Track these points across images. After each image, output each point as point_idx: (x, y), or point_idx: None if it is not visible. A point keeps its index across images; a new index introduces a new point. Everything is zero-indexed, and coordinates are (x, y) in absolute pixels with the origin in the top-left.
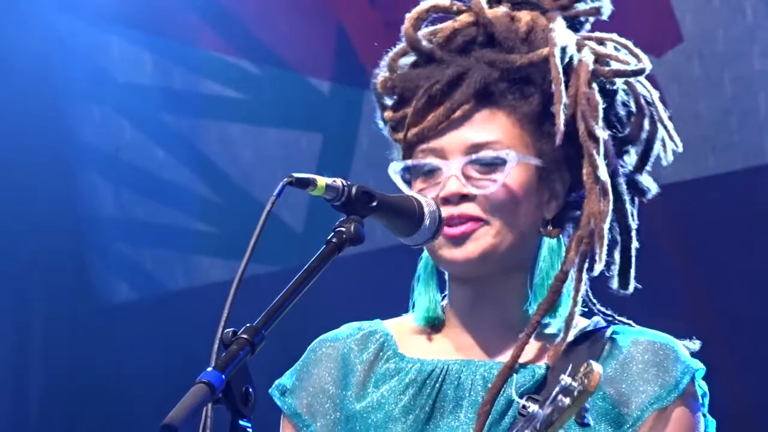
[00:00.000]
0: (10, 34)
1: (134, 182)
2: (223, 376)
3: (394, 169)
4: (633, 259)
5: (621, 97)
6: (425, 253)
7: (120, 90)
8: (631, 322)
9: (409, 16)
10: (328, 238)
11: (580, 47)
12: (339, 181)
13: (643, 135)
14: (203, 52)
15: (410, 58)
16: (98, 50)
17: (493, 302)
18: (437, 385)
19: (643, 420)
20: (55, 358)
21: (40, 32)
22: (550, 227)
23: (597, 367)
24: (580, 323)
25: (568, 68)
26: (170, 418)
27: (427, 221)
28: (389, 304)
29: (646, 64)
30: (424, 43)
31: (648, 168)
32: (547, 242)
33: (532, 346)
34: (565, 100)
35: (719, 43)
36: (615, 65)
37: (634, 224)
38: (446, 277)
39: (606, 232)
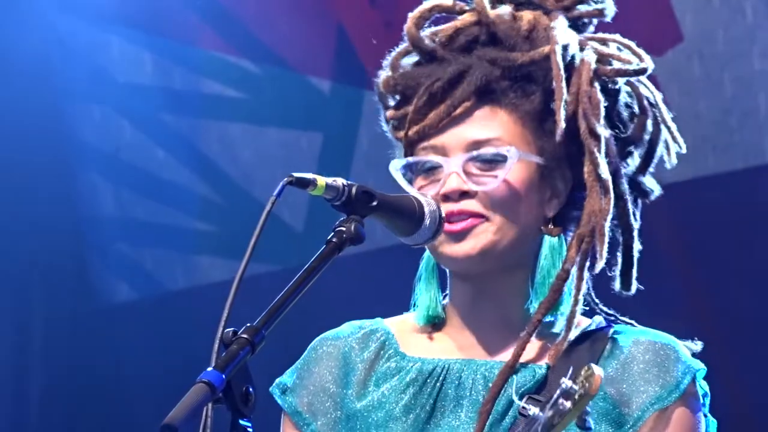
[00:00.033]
0: (10, 34)
1: (134, 182)
2: (224, 376)
3: (395, 167)
4: (635, 259)
5: (624, 98)
6: (427, 252)
7: (120, 90)
8: (633, 322)
9: (412, 15)
10: (329, 237)
11: (582, 47)
12: (339, 181)
13: (646, 136)
14: (203, 51)
15: (413, 58)
16: (98, 50)
17: (493, 300)
18: (438, 384)
19: (644, 420)
20: (55, 358)
21: (40, 32)
22: (551, 226)
23: (598, 370)
24: (582, 323)
25: (570, 67)
26: (170, 418)
27: (427, 221)
28: (389, 303)
29: (649, 63)
30: (427, 41)
31: (651, 169)
32: (549, 241)
33: (533, 345)
34: (566, 96)
35: (719, 42)
36: (617, 65)
37: (636, 224)
38: (448, 275)
39: (607, 230)
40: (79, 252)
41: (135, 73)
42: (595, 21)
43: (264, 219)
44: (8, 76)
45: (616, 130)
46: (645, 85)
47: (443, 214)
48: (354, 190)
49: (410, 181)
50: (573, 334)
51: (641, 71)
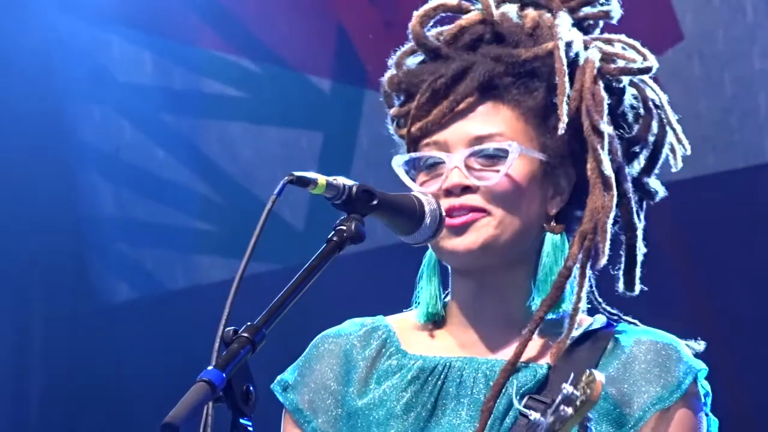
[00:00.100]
0: (10, 34)
1: (134, 182)
2: (224, 375)
3: (398, 163)
4: (638, 259)
5: (629, 99)
6: (429, 250)
7: (120, 90)
8: (635, 321)
9: (417, 14)
10: (329, 236)
11: (586, 46)
12: (339, 180)
13: (651, 137)
14: (203, 51)
15: (418, 58)
16: (98, 50)
17: (495, 296)
18: (439, 382)
19: (645, 420)
20: (55, 358)
21: (40, 32)
22: (553, 223)
23: (599, 376)
24: (584, 321)
25: (574, 65)
26: (171, 417)
27: (427, 219)
28: (390, 302)
29: (653, 62)
30: (431, 39)
31: (656, 171)
32: (551, 238)
33: (535, 343)
34: (568, 92)
35: (719, 42)
36: (621, 63)
37: (639, 224)
38: (449, 272)
39: (609, 227)
40: (79, 252)
41: (135, 73)
42: (601, 23)
43: (264, 218)
44: (8, 76)
45: (621, 131)
46: (651, 87)
47: (444, 212)
48: (354, 188)
49: (413, 178)
50: (575, 333)
51: (645, 70)
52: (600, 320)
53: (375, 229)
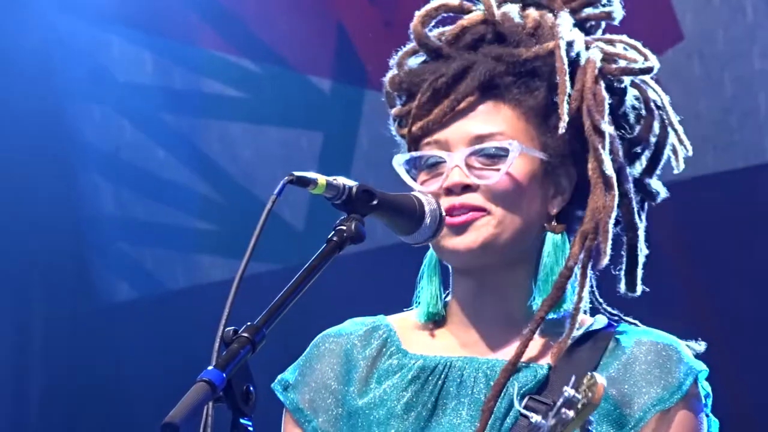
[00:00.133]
0: (10, 34)
1: (134, 182)
2: (224, 375)
3: (398, 162)
4: (639, 259)
5: (631, 100)
6: (430, 250)
7: (120, 90)
8: (636, 321)
9: (418, 14)
10: (329, 236)
11: (588, 46)
12: (339, 180)
13: (653, 138)
14: (203, 51)
15: (420, 58)
16: (98, 50)
17: (495, 295)
18: (440, 381)
19: (646, 421)
20: (55, 357)
21: (40, 32)
22: (554, 222)
23: (600, 379)
24: (585, 322)
25: (575, 65)
26: (171, 417)
27: (427, 219)
28: (390, 302)
29: (655, 63)
30: (432, 39)
31: (657, 172)
32: (552, 238)
33: (535, 343)
34: (569, 91)
35: (719, 42)
36: (623, 63)
37: (640, 224)
38: (450, 272)
39: (610, 226)
40: (80, 251)
41: (135, 73)
42: (603, 24)
43: (264, 218)
44: (8, 76)
45: (622, 131)
46: (652, 88)
47: (444, 212)
48: (354, 188)
49: (414, 177)
50: (575, 334)
51: (647, 70)
52: (601, 321)
53: (375, 228)
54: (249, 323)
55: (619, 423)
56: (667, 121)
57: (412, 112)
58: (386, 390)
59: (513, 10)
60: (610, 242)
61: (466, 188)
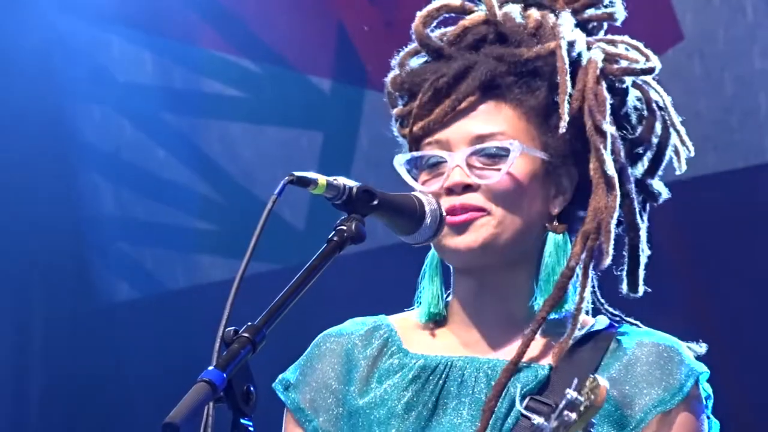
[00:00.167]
0: (10, 34)
1: (134, 182)
2: (225, 375)
3: (399, 161)
4: (641, 259)
5: (632, 100)
6: (432, 250)
7: (120, 89)
8: (638, 322)
9: (420, 14)
10: (330, 236)
11: (589, 46)
12: (340, 180)
13: (654, 138)
14: (203, 51)
15: (421, 59)
16: (98, 50)
17: (496, 296)
18: (441, 381)
19: (647, 422)
20: (55, 357)
21: (40, 32)
22: (556, 222)
23: (603, 381)
24: (586, 322)
25: (577, 65)
26: (171, 417)
27: (428, 219)
28: (391, 301)
29: (656, 63)
30: (434, 39)
31: (660, 172)
32: (554, 238)
33: (537, 343)
34: (570, 91)
35: (720, 42)
36: (624, 64)
37: (642, 224)
38: (451, 272)
39: (612, 227)
40: (80, 251)
41: (135, 73)
42: (605, 25)
43: (265, 218)
44: (9, 76)
45: (624, 132)
46: (654, 88)
47: (444, 212)
48: (355, 189)
49: (415, 177)
50: (577, 334)
51: (648, 70)
52: (602, 321)
53: (376, 228)
54: (249, 323)
55: (620, 424)
56: (669, 122)
57: (414, 112)
58: (387, 389)
59: (514, 10)
60: (612, 243)
61: (467, 188)
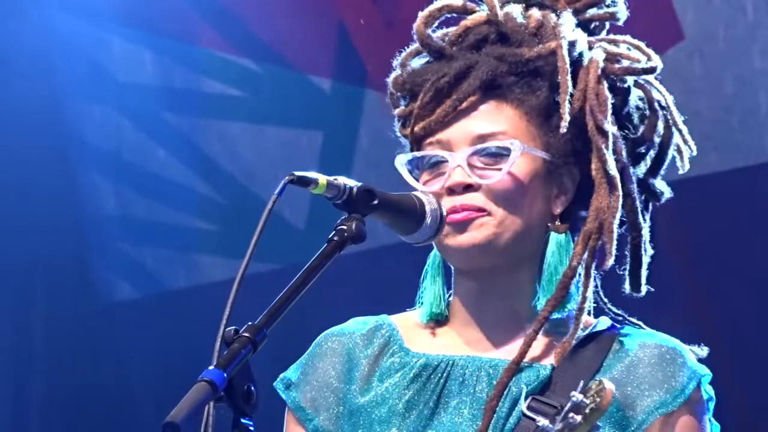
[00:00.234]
0: (10, 34)
1: (135, 181)
2: (225, 375)
3: (401, 161)
4: (643, 259)
5: (634, 99)
6: (434, 250)
7: (120, 89)
8: (640, 323)
9: (422, 15)
10: (330, 236)
11: (591, 46)
12: (340, 180)
13: (657, 138)
14: (203, 50)
15: (423, 59)
16: (99, 49)
17: (499, 295)
18: (442, 380)
19: (648, 424)
20: (56, 357)
21: (40, 32)
22: (558, 222)
23: (609, 384)
24: (588, 323)
25: (578, 65)
26: (172, 417)
27: (428, 219)
28: (391, 301)
29: (658, 63)
30: (435, 40)
31: (662, 172)
32: (556, 238)
33: (539, 343)
34: (571, 90)
35: (720, 41)
36: (626, 63)
37: (644, 224)
38: (453, 272)
39: (615, 227)
40: (80, 251)
41: (135, 73)
42: (607, 25)
43: (265, 218)
44: (9, 76)
45: (626, 131)
46: (656, 88)
47: (444, 211)
48: (355, 188)
49: (416, 177)
50: (579, 334)
51: (650, 70)
52: (604, 322)
53: (376, 228)
54: (250, 323)
55: (622, 425)
56: (671, 121)
57: (415, 112)
58: (388, 388)
59: (516, 10)
60: (614, 243)
61: (468, 188)
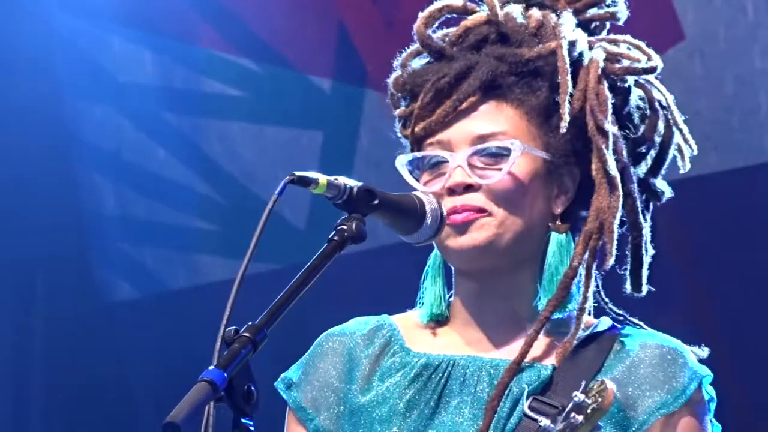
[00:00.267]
0: (11, 34)
1: (135, 181)
2: (226, 375)
3: (401, 162)
4: (644, 259)
5: (635, 99)
6: (435, 250)
7: (120, 89)
8: (641, 323)
9: (422, 15)
10: (330, 236)
11: (591, 46)
12: (341, 180)
13: (657, 137)
14: (203, 50)
15: (423, 59)
16: (99, 49)
17: (499, 296)
18: (443, 380)
19: (649, 424)
20: (57, 357)
21: (40, 32)
22: (558, 222)
23: (611, 385)
24: (589, 323)
25: (578, 64)
26: (172, 417)
27: (428, 219)
28: (391, 301)
29: (658, 62)
30: (435, 40)
31: (662, 172)
32: (556, 238)
33: (540, 343)
34: (571, 90)
35: (720, 41)
36: (626, 63)
37: (645, 224)
38: (453, 273)
39: (615, 226)
40: (81, 251)
41: (135, 73)
42: (607, 25)
43: (265, 218)
44: (9, 76)
45: (627, 131)
46: (657, 87)
47: (445, 212)
48: (356, 188)
49: (417, 177)
50: (580, 334)
51: (650, 70)
52: (605, 322)
53: (376, 228)
54: (250, 323)
55: (623, 425)
56: (672, 121)
57: (415, 112)
58: (389, 388)
59: (516, 10)
60: (615, 243)
61: (468, 188)
